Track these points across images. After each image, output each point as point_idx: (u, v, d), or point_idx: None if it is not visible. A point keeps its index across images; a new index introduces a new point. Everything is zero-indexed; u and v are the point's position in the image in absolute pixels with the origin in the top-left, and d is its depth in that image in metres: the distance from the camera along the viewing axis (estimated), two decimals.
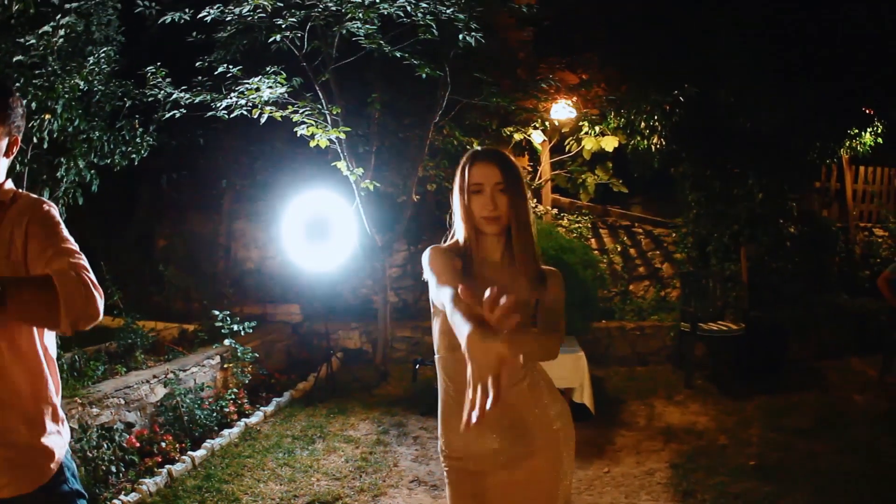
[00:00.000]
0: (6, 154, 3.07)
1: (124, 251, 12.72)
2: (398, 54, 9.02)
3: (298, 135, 9.11)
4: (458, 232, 3.57)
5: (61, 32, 7.47)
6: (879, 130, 12.51)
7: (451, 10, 8.76)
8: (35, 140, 7.59)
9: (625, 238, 13.70)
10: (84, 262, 2.84)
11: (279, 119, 8.87)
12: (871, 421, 8.86)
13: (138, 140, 8.70)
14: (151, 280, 12.30)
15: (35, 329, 2.98)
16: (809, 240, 12.81)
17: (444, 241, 3.69)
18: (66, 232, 2.99)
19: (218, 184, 13.17)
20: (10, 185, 3.11)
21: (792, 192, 12.56)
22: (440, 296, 3.09)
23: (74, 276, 2.71)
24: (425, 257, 3.42)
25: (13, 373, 2.93)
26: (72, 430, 6.45)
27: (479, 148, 3.67)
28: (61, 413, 3.11)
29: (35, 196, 3.07)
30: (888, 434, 8.34)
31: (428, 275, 3.34)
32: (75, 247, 2.91)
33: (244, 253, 13.50)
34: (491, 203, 3.40)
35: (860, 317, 12.21)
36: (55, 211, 3.06)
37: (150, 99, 9.01)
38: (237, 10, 8.60)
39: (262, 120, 8.75)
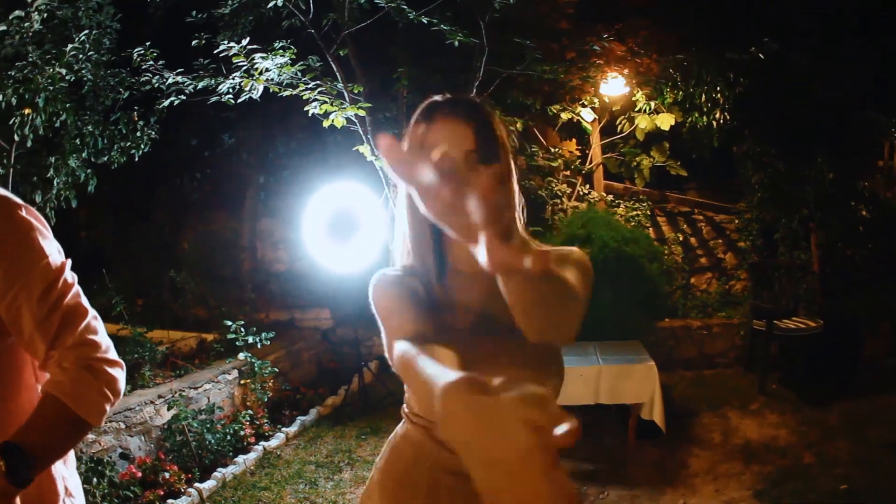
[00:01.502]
0: None
1: (143, 257, 12.30)
2: (425, 20, 8.06)
3: (311, 114, 8.21)
4: (405, 236, 2.49)
5: (36, 17, 7.04)
6: None
7: None
8: (17, 138, 7.15)
9: (685, 226, 12.94)
10: (86, 330, 2.37)
11: (281, 94, 8.02)
12: None
13: (138, 134, 8.21)
14: (171, 286, 11.64)
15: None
16: (879, 223, 11.90)
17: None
18: (48, 250, 2.41)
19: (241, 181, 12.62)
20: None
21: (864, 170, 11.88)
22: (394, 362, 2.13)
23: (74, 378, 2.31)
24: (371, 298, 2.45)
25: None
26: None
27: (438, 97, 2.46)
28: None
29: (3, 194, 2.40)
30: None
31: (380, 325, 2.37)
32: (67, 289, 2.39)
33: (272, 254, 13.08)
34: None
35: None
36: (30, 222, 2.42)
37: (146, 87, 8.34)
38: None
39: (258, 93, 7.91)
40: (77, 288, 2.39)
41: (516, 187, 2.41)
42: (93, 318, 2.38)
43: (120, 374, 2.40)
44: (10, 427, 2.31)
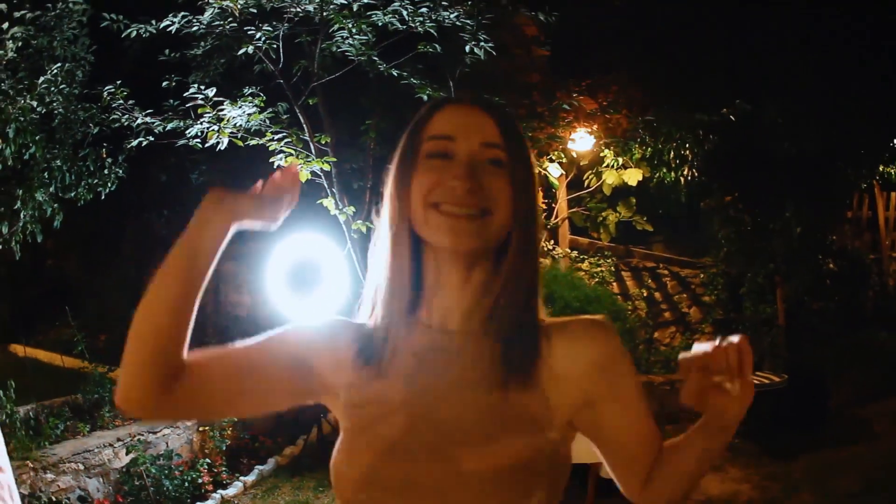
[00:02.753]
0: None
1: (108, 291, 12.28)
2: (395, 73, 8.09)
3: (276, 166, 8.20)
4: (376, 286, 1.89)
5: (10, 45, 7.05)
6: None
7: (456, 14, 7.89)
8: None
9: (649, 281, 13.17)
10: None
11: (241, 144, 8.05)
12: None
13: (106, 171, 8.24)
14: None
15: None
16: (845, 275, 12.31)
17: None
18: None
19: None
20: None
21: (831, 223, 12.20)
22: None
23: None
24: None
25: None
26: (22, 497, 5.67)
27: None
28: None
29: None
30: None
31: None
32: None
33: (235, 297, 12.99)
34: (468, 178, 1.67)
35: None
36: None
37: (115, 125, 8.28)
38: (204, 18, 7.77)
39: (223, 145, 7.93)
40: None
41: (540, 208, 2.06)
42: None
43: None
44: None
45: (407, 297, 1.80)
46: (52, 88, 7.40)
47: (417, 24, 7.64)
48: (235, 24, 7.62)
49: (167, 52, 8.48)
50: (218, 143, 7.90)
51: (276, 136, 7.88)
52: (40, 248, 9.60)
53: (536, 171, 1.88)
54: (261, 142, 7.83)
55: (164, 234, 12.98)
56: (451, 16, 7.84)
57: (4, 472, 2.99)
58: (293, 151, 7.92)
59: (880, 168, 12.23)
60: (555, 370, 1.74)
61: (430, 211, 1.69)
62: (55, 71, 7.41)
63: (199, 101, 7.64)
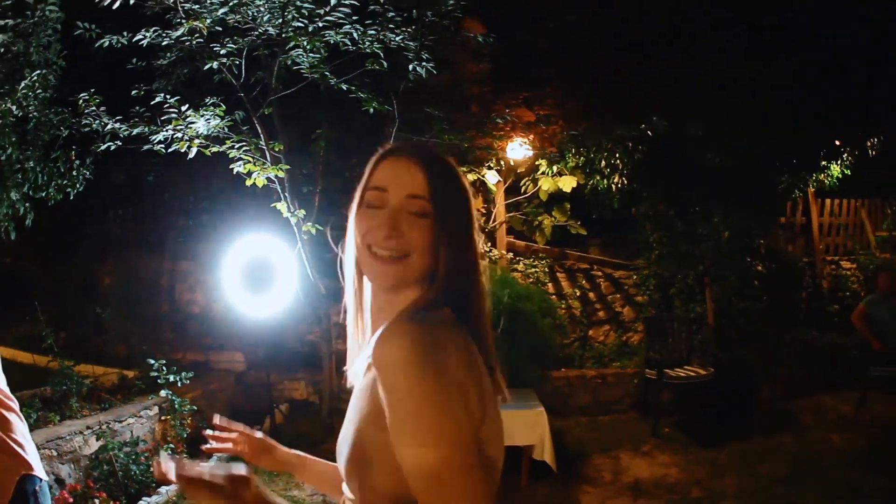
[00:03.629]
0: None
1: (67, 290, 12.43)
2: (344, 87, 8.62)
3: (235, 172, 8.68)
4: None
5: None
6: (848, 161, 12.54)
7: (401, 37, 8.38)
8: None
9: (583, 282, 13.47)
10: None
11: (208, 154, 8.45)
12: (849, 461, 8.69)
13: (74, 173, 8.53)
14: (93, 321, 11.75)
15: None
16: (776, 277, 12.70)
17: None
18: None
19: (163, 222, 12.87)
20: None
21: (759, 228, 12.47)
22: None
23: None
24: None
25: None
26: None
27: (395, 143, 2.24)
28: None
29: None
30: (868, 474, 8.17)
31: None
32: None
33: (189, 295, 13.17)
34: (389, 226, 2.02)
35: (830, 353, 12.00)
36: None
37: (86, 129, 8.64)
38: (174, 35, 8.18)
39: (192, 154, 8.34)
40: None
41: (464, 256, 2.09)
42: None
43: None
44: None
45: (352, 316, 2.29)
46: (30, 94, 7.67)
47: (367, 44, 8.13)
48: (202, 40, 8.02)
49: (134, 60, 8.89)
50: (180, 148, 8.36)
51: (237, 145, 8.33)
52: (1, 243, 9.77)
53: (472, 215, 2.12)
54: (221, 149, 8.27)
55: (120, 234, 13.27)
56: (397, 38, 8.34)
57: (21, 421, 3.52)
58: (251, 159, 8.39)
59: (813, 176, 12.63)
60: None
61: (364, 251, 2.05)
62: (35, 77, 7.68)
63: (172, 113, 8.05)
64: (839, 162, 12.51)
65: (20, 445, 3.49)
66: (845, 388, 10.98)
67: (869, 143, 12.49)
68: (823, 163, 12.41)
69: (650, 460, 9.25)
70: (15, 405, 3.56)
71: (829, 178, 12.76)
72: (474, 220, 2.14)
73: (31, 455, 3.53)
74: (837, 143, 12.24)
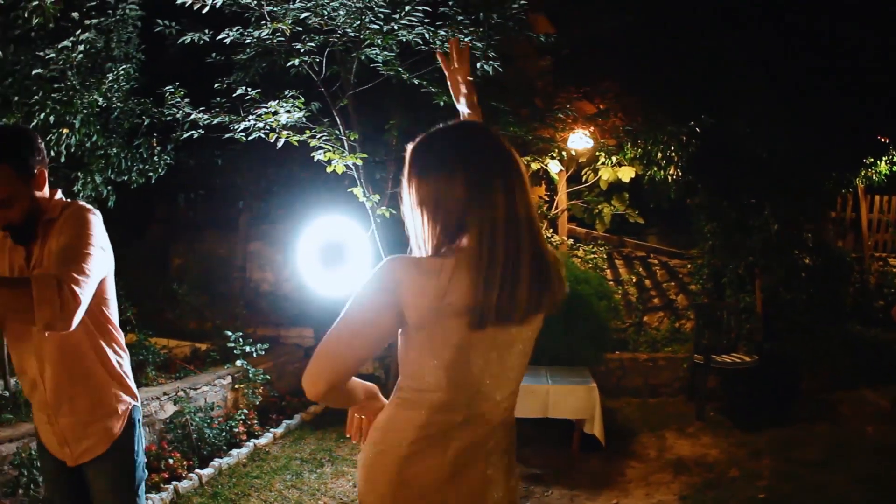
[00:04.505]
0: (40, 184, 3.60)
1: (138, 268, 12.62)
2: (416, 82, 9.06)
3: (316, 160, 9.12)
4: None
5: (81, 48, 7.56)
6: (895, 159, 12.60)
7: (470, 38, 8.77)
8: (52, 154, 7.65)
9: (640, 269, 13.73)
10: (79, 274, 3.23)
11: (295, 144, 8.88)
12: (882, 452, 8.76)
13: (156, 158, 8.86)
14: (165, 298, 12.23)
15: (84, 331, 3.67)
16: (824, 270, 12.80)
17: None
18: (93, 239, 3.49)
19: (235, 204, 13.30)
20: (59, 196, 3.74)
21: (808, 222, 12.60)
22: None
23: (54, 283, 3.09)
24: None
25: (77, 363, 3.74)
26: None
27: None
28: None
29: (82, 204, 3.64)
30: None
31: None
32: (87, 257, 3.36)
33: (259, 274, 13.56)
34: None
35: (874, 347, 12.09)
36: (94, 217, 3.64)
37: (168, 118, 9.05)
38: (256, 34, 8.60)
39: (280, 144, 8.76)
40: (93, 265, 3.35)
41: None
42: (86, 279, 3.26)
43: (73, 306, 3.14)
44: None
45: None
46: (115, 86, 8.07)
47: (437, 44, 8.55)
48: (284, 39, 8.47)
49: (213, 55, 9.36)
50: (269, 139, 8.83)
51: (318, 135, 8.78)
52: None
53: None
54: (302, 138, 8.73)
55: (192, 215, 13.73)
56: (465, 38, 8.76)
57: (126, 354, 4.04)
58: (331, 148, 8.85)
59: (861, 172, 12.77)
60: None
61: None
62: (120, 72, 8.10)
63: (259, 105, 8.51)
64: (886, 159, 12.63)
65: (130, 377, 3.96)
66: (888, 384, 11.01)
67: None
68: (869, 160, 12.53)
69: (693, 441, 9.55)
70: (123, 339, 3.99)
71: (878, 175, 12.87)
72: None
73: (134, 386, 4.01)
74: (883, 140, 12.35)
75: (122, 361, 3.95)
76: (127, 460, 3.91)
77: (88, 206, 3.68)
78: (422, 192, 2.82)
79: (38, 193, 3.60)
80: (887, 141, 12.35)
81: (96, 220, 3.62)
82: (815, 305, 12.30)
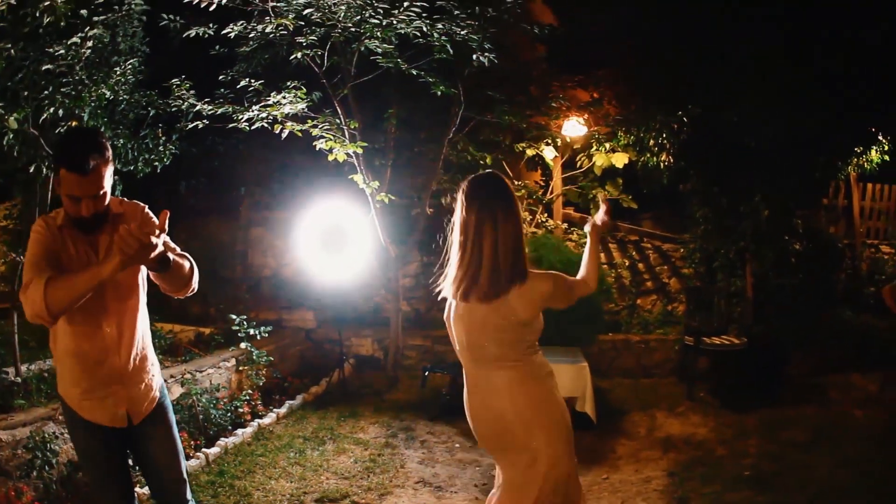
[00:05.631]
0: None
1: None
2: (414, 72, 9.30)
3: (318, 148, 9.34)
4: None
5: (89, 44, 7.67)
6: (886, 148, 12.70)
7: (466, 31, 8.98)
8: None
9: (633, 253, 13.91)
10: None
11: (299, 134, 9.10)
12: (868, 437, 8.86)
13: (161, 148, 8.97)
14: None
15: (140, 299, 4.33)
16: (815, 256, 12.92)
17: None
18: None
19: (236, 191, 13.44)
20: (116, 196, 4.27)
21: (798, 208, 12.74)
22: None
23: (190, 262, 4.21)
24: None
25: (145, 331, 4.40)
26: None
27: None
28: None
29: (132, 201, 4.33)
30: (885, 449, 8.36)
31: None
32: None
33: (261, 260, 13.71)
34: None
35: (863, 333, 12.17)
36: (149, 210, 4.37)
37: (173, 109, 9.27)
38: (260, 28, 8.82)
39: (284, 135, 8.98)
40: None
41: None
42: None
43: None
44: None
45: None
46: (122, 79, 8.19)
47: (435, 36, 8.78)
48: (286, 32, 8.68)
49: (217, 47, 9.58)
50: (274, 130, 9.06)
51: (319, 124, 9.00)
52: None
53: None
54: (305, 127, 8.95)
55: (194, 202, 13.86)
56: (462, 31, 9.00)
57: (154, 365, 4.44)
58: (332, 136, 9.08)
59: (853, 161, 12.80)
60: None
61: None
62: (127, 66, 8.22)
63: (264, 97, 8.78)
64: (877, 148, 12.68)
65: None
66: (876, 369, 11.07)
67: None
68: (859, 148, 12.59)
69: (683, 420, 9.73)
70: None
71: (869, 164, 12.92)
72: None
73: None
74: (873, 129, 12.42)
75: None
76: (167, 408, 4.52)
77: (141, 204, 4.38)
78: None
79: None
80: (876, 131, 12.46)
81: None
82: (806, 290, 12.42)
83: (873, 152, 12.74)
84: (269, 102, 8.96)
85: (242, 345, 9.79)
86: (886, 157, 12.91)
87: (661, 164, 12.50)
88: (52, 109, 7.48)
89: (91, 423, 4.20)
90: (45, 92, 7.48)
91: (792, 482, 7.46)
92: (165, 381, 8.16)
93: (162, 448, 4.42)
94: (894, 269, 14.20)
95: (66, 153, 3.87)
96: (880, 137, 12.55)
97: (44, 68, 7.46)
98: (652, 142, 12.34)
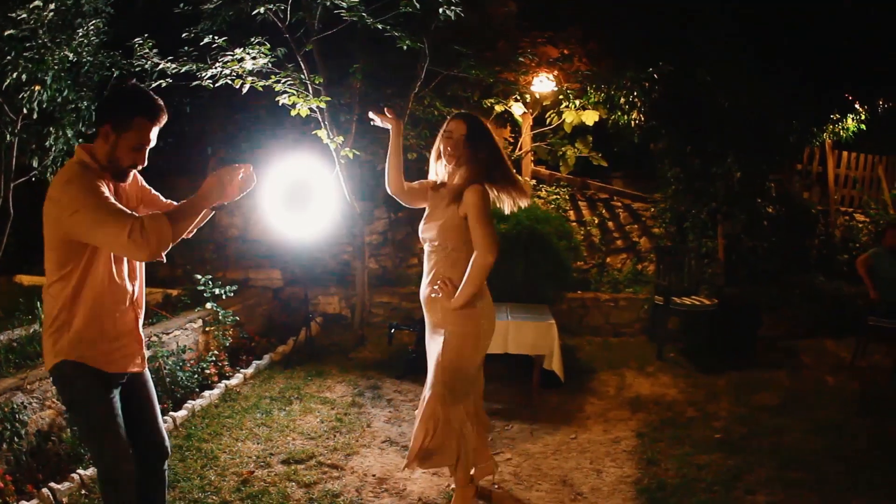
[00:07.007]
0: None
1: None
2: (380, 26, 9.17)
3: (280, 104, 9.25)
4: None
5: (52, 6, 7.62)
6: (863, 118, 12.75)
7: None
8: (25, 111, 7.83)
9: (603, 211, 13.93)
10: None
11: (260, 89, 9.01)
12: (839, 402, 8.90)
13: None
14: None
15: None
16: (788, 220, 13.04)
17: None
18: None
19: (203, 151, 13.33)
20: None
21: (771, 171, 12.82)
22: None
23: None
24: None
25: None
26: None
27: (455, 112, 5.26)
28: None
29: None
30: (856, 415, 8.41)
31: None
32: None
33: (228, 219, 13.59)
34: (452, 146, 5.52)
35: (836, 299, 12.30)
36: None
37: (137, 69, 9.16)
38: None
39: (245, 90, 8.88)
40: None
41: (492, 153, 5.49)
42: None
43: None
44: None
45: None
46: (85, 41, 8.14)
47: None
48: None
49: (181, 5, 9.46)
50: (235, 86, 8.96)
51: (282, 80, 8.90)
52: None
53: (495, 140, 5.57)
54: (268, 83, 8.84)
55: (159, 164, 13.77)
56: None
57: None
58: (295, 92, 8.97)
59: (829, 128, 12.86)
60: None
61: (443, 153, 5.72)
62: (90, 27, 8.15)
63: (226, 54, 8.69)
64: (853, 117, 12.76)
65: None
66: (848, 335, 11.20)
67: (880, 102, 12.82)
68: (835, 115, 12.63)
69: (653, 380, 9.73)
70: None
71: (845, 132, 12.97)
72: (497, 142, 5.54)
73: None
74: (849, 97, 12.47)
75: None
76: None
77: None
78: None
79: None
80: (852, 99, 12.51)
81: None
82: (779, 254, 12.59)
83: (849, 120, 12.78)
84: (233, 58, 8.85)
85: (208, 305, 9.72)
86: (863, 126, 12.96)
87: (633, 123, 12.49)
88: (14, 75, 7.43)
89: (108, 375, 4.28)
90: (8, 57, 7.41)
91: (762, 446, 7.46)
92: None
93: (152, 391, 4.67)
94: (868, 238, 14.28)
95: (146, 103, 4.12)
96: (857, 106, 12.55)
97: (6, 34, 7.38)
98: (623, 100, 12.33)
